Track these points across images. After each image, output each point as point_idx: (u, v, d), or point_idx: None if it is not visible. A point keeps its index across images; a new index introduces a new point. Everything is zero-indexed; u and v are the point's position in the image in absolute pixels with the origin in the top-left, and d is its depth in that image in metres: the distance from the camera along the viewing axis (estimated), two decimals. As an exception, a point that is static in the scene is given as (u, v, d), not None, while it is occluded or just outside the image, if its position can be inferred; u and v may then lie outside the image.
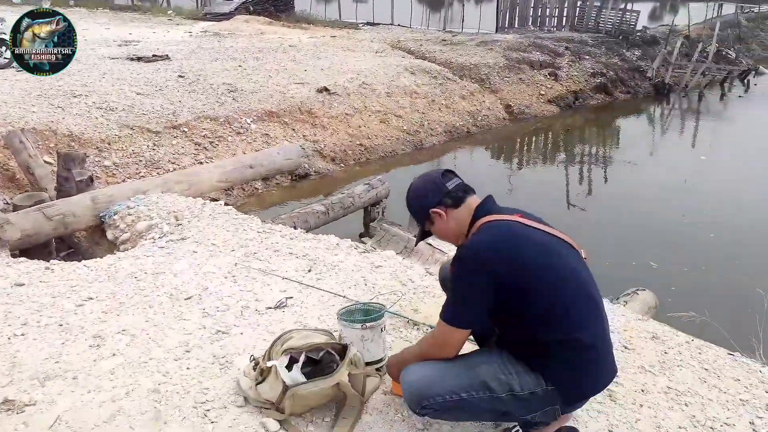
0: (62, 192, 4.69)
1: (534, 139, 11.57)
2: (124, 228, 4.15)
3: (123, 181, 6.09)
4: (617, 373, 1.95)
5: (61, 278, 3.13)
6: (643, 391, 2.31)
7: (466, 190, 1.97)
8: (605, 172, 9.66)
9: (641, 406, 2.22)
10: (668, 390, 2.33)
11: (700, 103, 15.25)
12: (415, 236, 2.16)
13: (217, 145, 7.50)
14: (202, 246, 3.60)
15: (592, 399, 2.05)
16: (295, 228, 4.35)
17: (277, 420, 1.99)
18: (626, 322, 2.88)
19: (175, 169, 6.44)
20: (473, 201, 1.95)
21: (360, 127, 9.23)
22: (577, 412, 2.07)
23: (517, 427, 1.94)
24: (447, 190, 1.94)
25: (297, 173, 7.66)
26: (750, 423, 2.17)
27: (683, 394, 2.31)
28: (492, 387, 1.80)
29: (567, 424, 1.98)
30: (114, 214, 4.26)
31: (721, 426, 2.14)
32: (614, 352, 1.93)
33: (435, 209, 1.94)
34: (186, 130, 7.45)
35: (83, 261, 3.53)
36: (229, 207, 4.47)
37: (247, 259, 3.42)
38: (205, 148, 7.36)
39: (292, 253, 3.53)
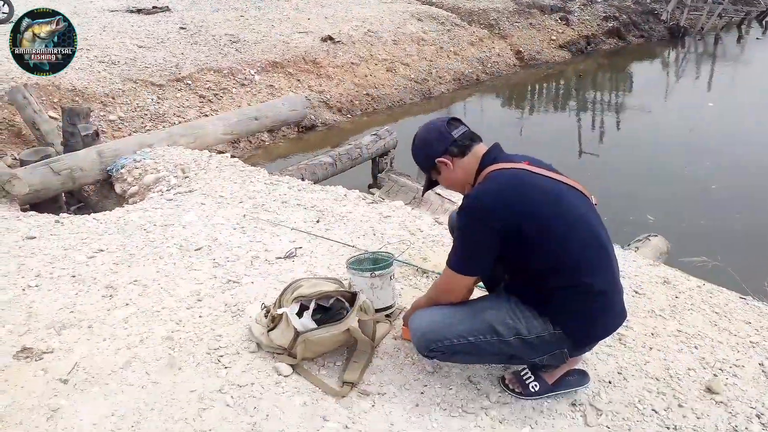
0: (68, 147, 4.68)
1: (545, 85, 11.31)
2: (131, 181, 4.15)
3: (129, 135, 6.05)
4: (627, 318, 1.95)
5: (72, 231, 3.15)
6: (653, 334, 2.32)
7: (472, 138, 1.92)
8: (617, 119, 9.46)
9: (651, 348, 2.23)
10: (678, 333, 2.33)
11: (716, 47, 14.79)
12: (423, 186, 2.12)
13: (222, 97, 7.41)
14: (210, 198, 3.59)
15: (601, 342, 2.06)
16: (302, 179, 4.33)
17: (290, 364, 2.02)
18: (637, 268, 2.87)
19: (180, 122, 6.39)
20: (480, 149, 1.90)
21: (366, 76, 9.05)
22: (587, 355, 2.09)
23: (526, 370, 1.96)
24: (453, 139, 1.89)
25: (304, 125, 7.57)
26: (759, 364, 2.18)
27: (693, 337, 2.31)
28: (499, 331, 1.81)
29: (576, 367, 2.00)
30: (121, 168, 4.25)
31: (731, 367, 2.15)
32: (625, 297, 1.92)
33: (441, 158, 1.90)
34: (190, 82, 7.35)
35: (93, 214, 3.55)
36: (236, 159, 4.44)
37: (255, 210, 3.42)
38: (209, 100, 7.27)
39: (300, 205, 3.52)
